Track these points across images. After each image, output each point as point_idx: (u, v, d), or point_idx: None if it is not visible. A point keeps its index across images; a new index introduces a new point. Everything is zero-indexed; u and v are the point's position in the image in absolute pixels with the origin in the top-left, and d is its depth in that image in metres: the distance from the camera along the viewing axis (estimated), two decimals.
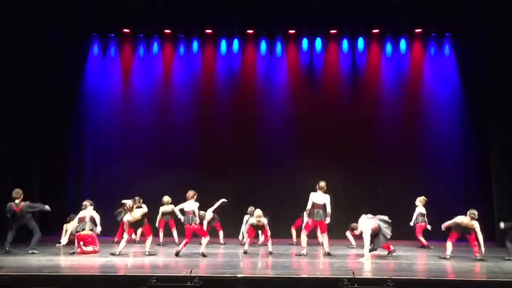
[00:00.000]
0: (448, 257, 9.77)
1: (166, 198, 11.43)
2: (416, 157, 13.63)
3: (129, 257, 9.83)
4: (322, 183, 10.08)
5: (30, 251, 9.98)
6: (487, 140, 13.04)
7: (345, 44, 14.07)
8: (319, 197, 10.04)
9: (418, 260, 9.97)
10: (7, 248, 9.95)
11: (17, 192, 10.07)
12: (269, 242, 10.40)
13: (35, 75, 12.59)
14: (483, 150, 13.17)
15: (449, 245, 9.91)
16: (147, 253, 10.02)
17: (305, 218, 10.43)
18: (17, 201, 10.03)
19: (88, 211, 10.53)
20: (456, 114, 13.73)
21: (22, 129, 12.14)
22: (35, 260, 9.18)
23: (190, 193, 10.03)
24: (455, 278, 7.85)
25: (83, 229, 10.26)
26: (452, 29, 13.71)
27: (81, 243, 10.16)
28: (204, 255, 9.78)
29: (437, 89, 13.94)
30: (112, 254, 9.87)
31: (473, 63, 13.41)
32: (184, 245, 9.89)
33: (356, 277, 7.29)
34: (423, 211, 11.62)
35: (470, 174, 13.02)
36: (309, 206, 10.01)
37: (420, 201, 11.69)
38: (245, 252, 10.24)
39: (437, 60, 13.97)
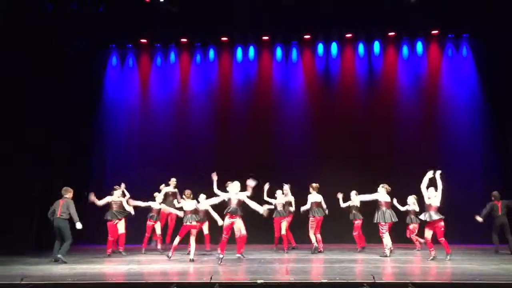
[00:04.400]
0: None
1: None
2: (435, 160, 13.43)
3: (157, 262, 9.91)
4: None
5: (59, 256, 9.93)
6: (507, 142, 12.85)
7: (361, 48, 14.08)
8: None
9: (440, 264, 9.84)
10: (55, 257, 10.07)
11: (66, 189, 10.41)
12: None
13: (55, 87, 12.84)
14: (503, 152, 12.99)
15: None
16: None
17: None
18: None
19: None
20: (475, 115, 13.60)
21: (46, 143, 12.37)
22: (58, 268, 9.32)
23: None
24: (478, 281, 7.71)
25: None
26: (469, 29, 13.60)
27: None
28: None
29: (456, 90, 13.83)
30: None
31: (491, 64, 13.28)
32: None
33: (376, 281, 7.23)
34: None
35: (490, 177, 12.79)
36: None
37: (415, 199, 11.33)
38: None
39: (455, 62, 13.89)
